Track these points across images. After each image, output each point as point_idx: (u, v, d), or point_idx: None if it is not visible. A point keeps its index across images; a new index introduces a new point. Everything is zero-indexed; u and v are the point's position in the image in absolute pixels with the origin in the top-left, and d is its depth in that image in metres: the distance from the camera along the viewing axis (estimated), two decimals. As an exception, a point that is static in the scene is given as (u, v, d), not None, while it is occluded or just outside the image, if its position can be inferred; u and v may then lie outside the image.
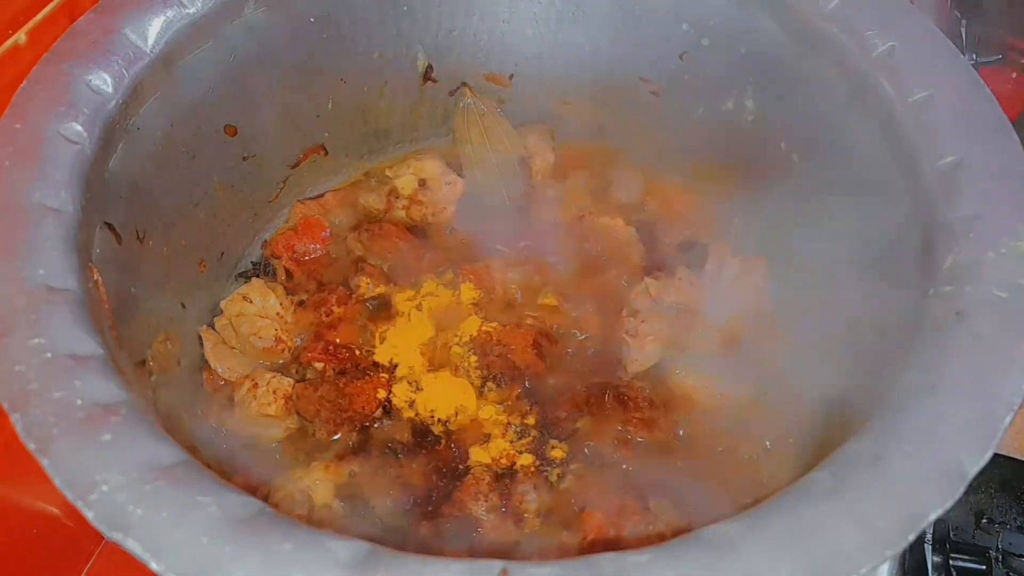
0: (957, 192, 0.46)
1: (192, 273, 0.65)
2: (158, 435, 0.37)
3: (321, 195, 0.76)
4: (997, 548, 0.57)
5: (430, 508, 0.56)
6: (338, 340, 0.65)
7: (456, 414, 0.61)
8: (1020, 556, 0.57)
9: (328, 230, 0.72)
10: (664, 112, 0.72)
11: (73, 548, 0.68)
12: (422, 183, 0.75)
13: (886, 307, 0.50)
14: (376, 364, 0.64)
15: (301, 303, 0.68)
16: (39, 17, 0.57)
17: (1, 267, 0.41)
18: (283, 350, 0.65)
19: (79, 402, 0.37)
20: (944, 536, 0.56)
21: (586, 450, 0.59)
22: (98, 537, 0.69)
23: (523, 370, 0.63)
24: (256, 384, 0.60)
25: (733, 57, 0.65)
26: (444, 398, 0.62)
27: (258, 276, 0.70)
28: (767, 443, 0.59)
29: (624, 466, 0.58)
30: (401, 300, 0.68)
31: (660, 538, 0.34)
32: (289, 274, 0.70)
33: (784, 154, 0.64)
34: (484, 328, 0.65)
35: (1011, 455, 0.63)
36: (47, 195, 0.44)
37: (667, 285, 0.66)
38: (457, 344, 0.65)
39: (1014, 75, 0.91)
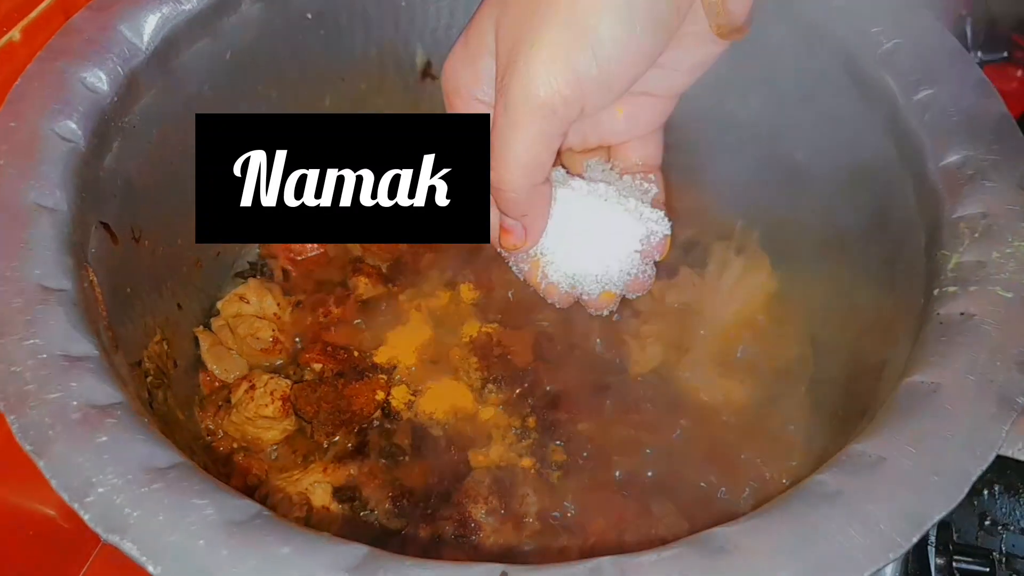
0: (962, 191, 0.46)
1: (188, 273, 0.64)
2: (154, 437, 0.36)
3: (320, 194, 0.75)
4: (1001, 550, 0.57)
5: (429, 511, 0.55)
6: (336, 341, 0.64)
7: (455, 417, 0.61)
8: (1024, 558, 0.57)
9: (326, 229, 0.72)
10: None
11: (70, 550, 0.68)
12: (421, 182, 0.75)
13: (890, 307, 0.49)
14: (375, 365, 0.63)
15: (299, 304, 0.67)
16: (33, 14, 0.57)
17: (-5, 267, 0.40)
18: (281, 351, 0.65)
19: (75, 403, 0.36)
20: (947, 538, 0.55)
21: (587, 452, 0.59)
22: (95, 539, 0.68)
23: (524, 372, 0.62)
24: (253, 385, 0.60)
25: (736, 55, 0.65)
26: (443, 400, 0.61)
27: (255, 276, 0.69)
28: (770, 444, 0.58)
29: (625, 468, 0.58)
30: (401, 301, 0.67)
31: (662, 541, 0.33)
32: (286, 274, 0.70)
33: (787, 152, 0.63)
34: (484, 329, 0.65)
35: (1015, 457, 0.63)
36: (42, 194, 0.44)
37: (669, 285, 0.66)
38: (457, 345, 0.64)
39: (1019, 73, 0.91)
